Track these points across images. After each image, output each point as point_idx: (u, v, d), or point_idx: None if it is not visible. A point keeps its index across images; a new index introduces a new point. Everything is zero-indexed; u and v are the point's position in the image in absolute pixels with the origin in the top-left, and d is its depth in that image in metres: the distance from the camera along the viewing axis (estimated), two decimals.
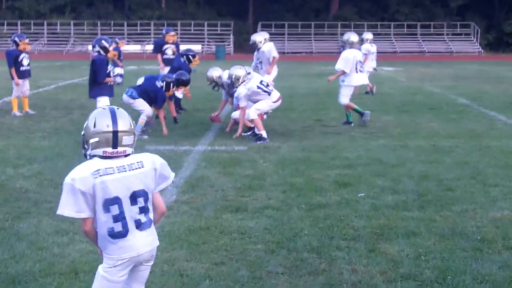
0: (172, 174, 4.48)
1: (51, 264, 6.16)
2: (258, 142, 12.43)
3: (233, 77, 13.05)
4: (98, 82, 12.96)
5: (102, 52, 12.96)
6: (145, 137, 13.08)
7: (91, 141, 4.11)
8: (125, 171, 4.13)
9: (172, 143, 12.51)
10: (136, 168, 4.18)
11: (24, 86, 16.52)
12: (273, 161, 10.81)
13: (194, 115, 16.48)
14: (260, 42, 15.68)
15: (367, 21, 67.19)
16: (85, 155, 4.22)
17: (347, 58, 14.83)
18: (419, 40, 65.60)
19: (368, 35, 23.27)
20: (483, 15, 67.82)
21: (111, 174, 4.08)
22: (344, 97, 14.96)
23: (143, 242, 4.20)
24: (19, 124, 14.84)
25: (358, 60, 14.89)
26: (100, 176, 4.04)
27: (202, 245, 6.70)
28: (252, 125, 12.94)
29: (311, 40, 65.02)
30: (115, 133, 4.11)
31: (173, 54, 18.42)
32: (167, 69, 17.34)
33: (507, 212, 7.91)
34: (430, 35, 66.11)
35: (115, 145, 4.13)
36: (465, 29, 66.73)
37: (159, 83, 13.70)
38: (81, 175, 4.03)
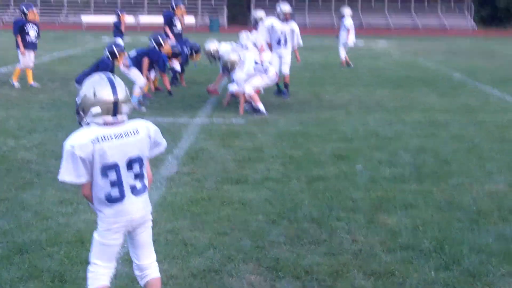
0: (164, 142, 4.57)
1: (57, 233, 6.28)
2: (256, 115, 12.53)
3: (229, 63, 13.10)
4: None
5: (110, 57, 12.81)
6: (143, 109, 13.17)
7: (93, 110, 4.16)
8: (122, 137, 4.22)
9: (171, 115, 12.62)
10: (132, 135, 4.27)
11: (28, 58, 16.45)
12: (272, 134, 10.92)
13: (191, 88, 16.56)
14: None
15: None
16: (80, 122, 4.29)
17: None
18: (412, 14, 65.53)
19: (349, 10, 23.90)
20: None
21: (109, 140, 4.16)
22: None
23: (137, 207, 4.32)
24: (17, 96, 14.89)
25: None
26: (99, 142, 4.12)
27: (205, 215, 6.83)
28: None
29: (305, 14, 64.84)
30: (115, 102, 4.19)
31: (181, 27, 18.24)
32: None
33: (502, 185, 8.07)
34: (424, 10, 66.03)
35: (115, 114, 4.21)
36: (459, 3, 66.67)
37: (150, 44, 14.29)
38: (80, 142, 4.11)
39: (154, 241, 5.91)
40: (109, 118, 4.19)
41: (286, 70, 15.52)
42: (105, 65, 12.55)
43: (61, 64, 22.12)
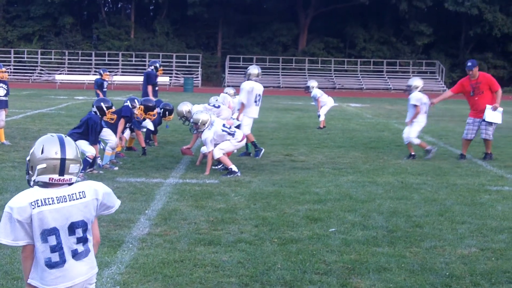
0: (118, 202, 4.53)
1: None
2: (229, 176, 12.54)
3: (200, 122, 13.08)
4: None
5: (98, 113, 12.60)
6: (116, 168, 13.12)
7: (39, 167, 4.12)
8: (65, 201, 4.17)
9: (143, 175, 12.57)
10: (77, 198, 4.22)
11: None
12: (245, 195, 10.91)
13: (164, 148, 16.56)
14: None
15: (334, 57, 68.07)
16: (29, 181, 4.23)
17: (244, 89, 15.51)
18: (385, 77, 66.54)
19: (315, 82, 24.82)
20: (448, 54, 69.19)
21: (50, 204, 4.11)
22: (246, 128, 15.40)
23: (78, 272, 4.25)
24: None
25: (256, 93, 15.55)
26: (38, 206, 4.07)
27: (177, 277, 6.76)
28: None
29: (278, 75, 65.53)
30: (62, 160, 4.16)
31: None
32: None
33: (474, 249, 8.09)
34: (396, 73, 67.17)
35: (61, 173, 4.16)
36: (430, 67, 67.92)
37: (125, 104, 14.38)
38: (19, 204, 4.05)
39: None
40: (55, 176, 4.15)
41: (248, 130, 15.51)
42: (94, 123, 12.31)
43: (33, 123, 22.05)
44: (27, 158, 4.22)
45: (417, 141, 15.61)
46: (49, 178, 4.15)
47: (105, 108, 12.63)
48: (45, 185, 4.18)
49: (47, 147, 4.16)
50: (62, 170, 4.16)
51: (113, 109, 12.86)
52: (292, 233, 8.62)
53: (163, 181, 11.98)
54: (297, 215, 9.59)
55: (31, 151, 4.20)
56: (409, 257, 7.68)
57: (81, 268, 4.26)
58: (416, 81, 16.14)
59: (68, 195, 4.20)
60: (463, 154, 15.90)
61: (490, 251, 7.99)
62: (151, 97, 17.54)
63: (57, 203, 4.14)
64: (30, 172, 4.20)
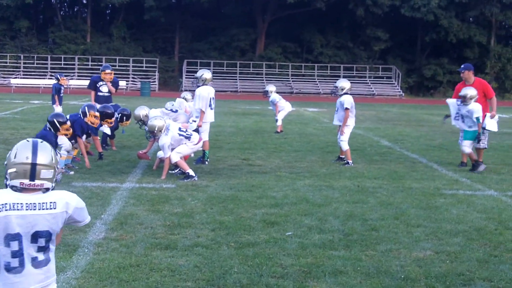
0: (88, 219, 4.46)
1: None
2: (186, 180, 12.49)
3: (156, 129, 12.92)
4: None
5: (51, 129, 12.41)
6: (71, 173, 12.99)
7: (9, 171, 4.11)
8: (34, 209, 4.11)
9: (100, 179, 12.47)
10: (46, 208, 4.15)
11: None
12: (202, 199, 10.88)
13: (121, 152, 16.44)
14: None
15: (292, 62, 68.34)
16: (6, 186, 4.20)
17: (202, 96, 14.95)
18: None
19: (273, 87, 25.01)
20: (404, 59, 69.95)
21: (18, 210, 4.06)
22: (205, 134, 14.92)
23: (34, 280, 4.17)
24: None
25: (211, 97, 15.08)
26: (6, 210, 4.03)
27: (133, 282, 6.72)
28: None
29: (236, 79, 65.57)
30: (33, 165, 4.12)
31: (108, 92, 18.01)
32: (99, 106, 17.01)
33: (429, 252, 8.17)
34: (353, 77, 67.59)
35: (32, 178, 4.12)
36: (386, 73, 68.57)
37: (79, 112, 14.12)
38: None
39: None
40: (26, 181, 4.10)
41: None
42: (50, 141, 11.81)
43: None
44: (5, 162, 4.21)
45: (346, 147, 15.57)
46: (20, 183, 4.11)
47: (58, 124, 12.43)
48: (19, 189, 4.14)
49: (19, 151, 4.14)
50: (32, 175, 4.12)
51: (68, 124, 12.64)
52: (249, 237, 8.62)
53: (120, 186, 11.89)
54: (254, 219, 9.59)
55: (7, 155, 4.19)
56: (365, 260, 7.73)
57: (38, 277, 4.18)
58: (344, 83, 16.11)
59: (39, 203, 4.14)
60: (464, 162, 15.64)
61: (445, 254, 8.08)
62: (92, 102, 17.03)
63: (26, 209, 4.09)
64: (6, 175, 4.18)
